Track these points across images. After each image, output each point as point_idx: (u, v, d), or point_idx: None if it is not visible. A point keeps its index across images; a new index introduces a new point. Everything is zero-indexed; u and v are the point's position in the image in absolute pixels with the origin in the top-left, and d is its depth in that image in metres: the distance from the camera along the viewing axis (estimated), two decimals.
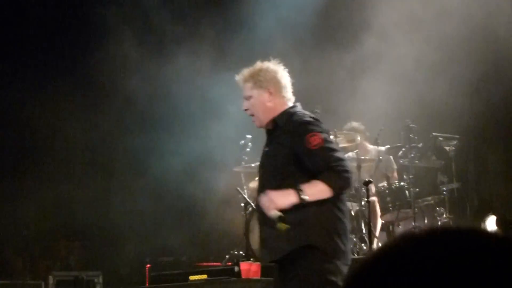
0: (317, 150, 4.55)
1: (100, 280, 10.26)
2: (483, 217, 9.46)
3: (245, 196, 9.24)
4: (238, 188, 9.34)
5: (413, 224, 8.76)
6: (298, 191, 4.49)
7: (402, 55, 10.01)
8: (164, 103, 10.98)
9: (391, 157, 9.61)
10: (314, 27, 11.01)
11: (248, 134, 9.63)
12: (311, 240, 4.55)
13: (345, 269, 4.58)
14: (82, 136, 11.55)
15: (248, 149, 9.55)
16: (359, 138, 9.44)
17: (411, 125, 9.13)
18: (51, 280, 10.05)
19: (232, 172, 9.61)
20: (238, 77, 4.95)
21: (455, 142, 9.33)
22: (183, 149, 10.57)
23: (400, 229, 9.36)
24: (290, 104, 4.90)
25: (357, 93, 10.14)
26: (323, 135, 4.62)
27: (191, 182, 10.57)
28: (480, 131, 10.52)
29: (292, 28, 10.77)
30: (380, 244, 8.89)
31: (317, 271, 4.52)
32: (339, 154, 4.59)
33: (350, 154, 9.61)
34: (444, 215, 9.03)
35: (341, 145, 9.27)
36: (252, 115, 4.90)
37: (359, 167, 9.11)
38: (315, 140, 4.55)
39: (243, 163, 9.52)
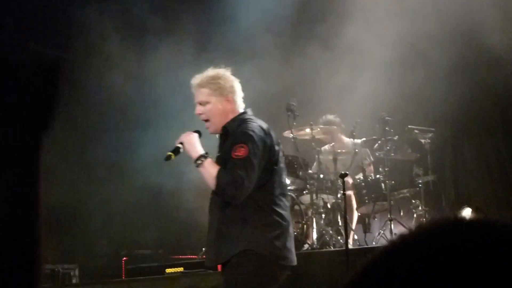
0: (236, 160, 4.68)
1: (76, 273, 10.22)
2: (458, 209, 9.51)
3: None
4: None
5: (388, 216, 8.80)
6: (203, 157, 4.78)
7: (378, 48, 10.05)
8: (144, 96, 10.93)
9: (367, 150, 9.64)
10: (294, 21, 11.03)
11: None
12: (251, 245, 4.69)
13: (285, 272, 4.77)
14: (59, 131, 11.49)
15: None
16: (335, 131, 9.47)
17: (387, 118, 9.16)
18: None
19: None
20: (194, 82, 5.01)
21: (430, 134, 9.36)
22: (160, 142, 10.54)
23: (375, 221, 9.40)
24: (241, 110, 4.98)
25: (334, 86, 10.16)
26: (251, 151, 4.69)
27: (168, 175, 10.55)
28: (456, 123, 10.57)
29: (273, 21, 10.77)
30: (356, 237, 8.94)
31: (256, 275, 4.67)
32: (250, 174, 4.66)
33: (326, 147, 9.63)
34: (420, 208, 9.07)
35: (317, 137, 9.31)
36: (207, 121, 4.96)
37: (335, 160, 9.14)
38: (240, 151, 4.67)
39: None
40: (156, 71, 10.57)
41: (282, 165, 4.90)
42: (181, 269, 8.24)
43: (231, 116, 4.93)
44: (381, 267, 1.05)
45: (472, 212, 9.28)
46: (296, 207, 9.20)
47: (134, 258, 9.96)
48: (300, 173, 9.03)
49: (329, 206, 9.07)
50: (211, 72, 5.03)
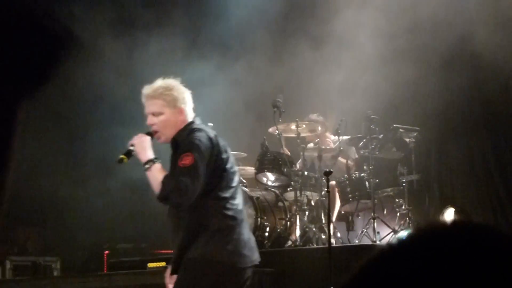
0: (181, 168, 4.77)
1: (58, 265, 10.20)
2: (442, 209, 9.53)
3: None
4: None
5: (372, 215, 8.81)
6: (152, 161, 4.86)
7: (366, 47, 10.06)
8: (134, 92, 10.85)
9: (353, 147, 9.64)
10: (285, 16, 11.03)
11: (209, 122, 9.61)
12: (204, 251, 4.79)
13: (244, 273, 4.87)
14: (48, 126, 11.45)
15: None
16: (321, 128, 9.47)
17: (372, 116, 9.15)
18: (8, 265, 9.96)
19: None
20: (146, 92, 5.04)
21: (415, 134, 9.37)
22: None
23: (359, 219, 9.41)
24: (190, 119, 5.05)
25: (320, 83, 10.17)
26: (197, 159, 4.78)
27: None
28: (442, 123, 10.59)
29: (264, 17, 10.77)
30: (339, 235, 8.94)
31: (209, 280, 4.77)
32: (195, 182, 4.75)
33: (311, 144, 9.63)
34: (403, 207, 9.08)
35: (302, 135, 9.30)
36: (157, 132, 5.01)
37: (320, 157, 9.14)
38: (186, 160, 4.77)
39: None
40: (147, 66, 10.51)
41: (233, 170, 4.99)
42: (163, 263, 8.22)
43: (181, 127, 5.00)
44: (378, 269, 1.04)
45: (455, 212, 9.31)
46: (280, 203, 9.20)
47: (116, 252, 9.94)
48: (285, 170, 9.02)
49: (313, 203, 9.07)
50: (163, 83, 5.06)
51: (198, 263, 4.78)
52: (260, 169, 9.14)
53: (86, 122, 11.44)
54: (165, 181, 4.78)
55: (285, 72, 10.51)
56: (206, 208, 4.84)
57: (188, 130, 4.97)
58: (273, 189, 9.31)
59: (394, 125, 9.39)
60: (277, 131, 9.07)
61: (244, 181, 9.33)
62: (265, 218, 8.99)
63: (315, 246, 8.58)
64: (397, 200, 9.19)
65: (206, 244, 4.79)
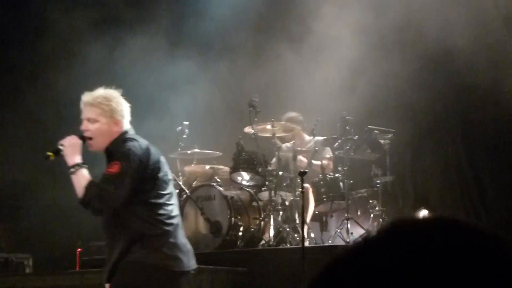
0: (107, 175, 4.92)
1: (30, 262, 10.12)
2: (416, 211, 9.58)
3: (180, 183, 9.21)
4: (173, 174, 9.29)
5: (345, 215, 8.83)
6: (78, 166, 4.98)
7: (342, 47, 10.08)
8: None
9: (328, 148, 9.65)
10: (265, 16, 11.04)
11: (185, 121, 9.60)
12: (139, 257, 4.89)
13: (182, 278, 5.00)
14: (25, 125, 11.38)
15: (184, 136, 9.52)
16: (296, 128, 9.48)
17: (348, 117, 9.18)
18: None
19: (168, 159, 9.52)
20: (86, 99, 5.13)
21: (390, 135, 9.41)
22: None
23: (332, 220, 9.43)
24: (124, 129, 5.15)
25: (296, 84, 10.19)
26: (124, 168, 4.90)
27: None
28: (417, 125, 10.63)
29: (245, 17, 10.77)
30: (312, 235, 8.95)
31: (144, 283, 4.90)
32: (119, 190, 4.87)
33: (287, 144, 9.63)
34: (377, 208, 9.12)
35: (278, 135, 9.30)
36: (90, 138, 5.10)
37: (295, 158, 9.15)
38: (113, 168, 4.90)
39: (179, 149, 9.49)
40: (129, 65, 10.47)
41: (166, 177, 5.12)
42: None
43: (115, 138, 5.11)
44: (344, 267, 1.03)
45: (428, 214, 9.36)
46: (254, 203, 9.20)
47: (89, 249, 9.88)
48: (260, 169, 9.02)
49: (287, 203, 9.07)
50: (104, 92, 5.14)
51: (133, 267, 4.87)
52: (235, 169, 9.13)
53: (64, 122, 11.36)
54: (88, 187, 4.91)
55: (263, 72, 10.50)
56: (140, 215, 4.94)
57: (122, 140, 5.07)
58: (247, 189, 9.31)
59: (369, 126, 9.43)
60: (252, 131, 9.06)
61: (218, 180, 9.31)
62: (239, 217, 8.99)
63: (288, 246, 8.59)
64: (371, 201, 9.22)
65: (141, 249, 4.88)
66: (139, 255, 4.87)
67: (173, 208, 5.09)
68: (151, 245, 4.89)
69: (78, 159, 5.01)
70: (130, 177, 4.89)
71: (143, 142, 5.09)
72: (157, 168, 5.03)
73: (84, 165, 5.01)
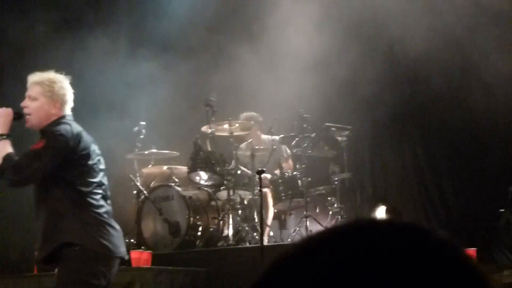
0: (29, 151, 5.12)
1: None
2: (374, 207, 9.63)
3: (138, 184, 9.17)
4: (131, 175, 9.25)
5: (304, 213, 8.85)
6: (2, 136, 5.16)
7: (298, 44, 10.09)
8: (75, 92, 10.69)
9: (285, 146, 9.67)
10: (221, 16, 11.01)
11: (142, 121, 9.55)
12: (73, 239, 5.05)
13: (113, 263, 5.15)
14: None
15: (141, 136, 9.47)
16: (254, 127, 9.48)
17: (305, 115, 9.20)
18: None
19: (125, 159, 9.48)
20: (32, 77, 5.31)
21: (347, 132, 9.45)
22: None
23: (292, 218, 9.45)
24: (63, 114, 5.30)
25: (254, 83, 10.17)
26: (47, 146, 5.06)
27: None
28: (374, 122, 10.66)
29: (201, 16, 10.75)
30: (271, 234, 8.96)
31: (75, 270, 5.05)
32: (36, 166, 5.04)
33: (244, 143, 9.62)
34: (335, 205, 9.15)
35: (235, 134, 9.29)
36: (28, 115, 5.26)
37: (252, 156, 9.13)
38: (37, 145, 5.10)
39: (136, 150, 9.44)
40: (88, 66, 10.35)
41: (96, 166, 5.24)
42: None
43: (52, 120, 5.25)
44: (289, 265, 1.02)
45: (386, 210, 9.41)
46: (213, 203, 9.18)
47: None
48: (218, 169, 9.00)
49: (245, 202, 9.06)
50: (51, 74, 5.32)
51: (77, 253, 5.00)
52: (193, 168, 9.09)
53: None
54: (6, 158, 5.07)
55: (222, 71, 10.48)
56: (72, 198, 5.09)
57: (57, 123, 5.20)
58: (205, 188, 9.28)
59: (326, 123, 9.46)
60: (209, 130, 9.04)
61: (176, 180, 9.28)
62: (198, 217, 8.97)
63: (247, 245, 8.59)
64: (329, 198, 9.25)
65: (77, 232, 5.02)
66: (75, 238, 5.02)
67: (100, 198, 5.20)
68: (84, 228, 5.05)
69: (4, 130, 5.19)
70: (50, 156, 5.03)
71: (76, 128, 5.20)
72: (86, 155, 5.15)
73: (9, 137, 5.17)
